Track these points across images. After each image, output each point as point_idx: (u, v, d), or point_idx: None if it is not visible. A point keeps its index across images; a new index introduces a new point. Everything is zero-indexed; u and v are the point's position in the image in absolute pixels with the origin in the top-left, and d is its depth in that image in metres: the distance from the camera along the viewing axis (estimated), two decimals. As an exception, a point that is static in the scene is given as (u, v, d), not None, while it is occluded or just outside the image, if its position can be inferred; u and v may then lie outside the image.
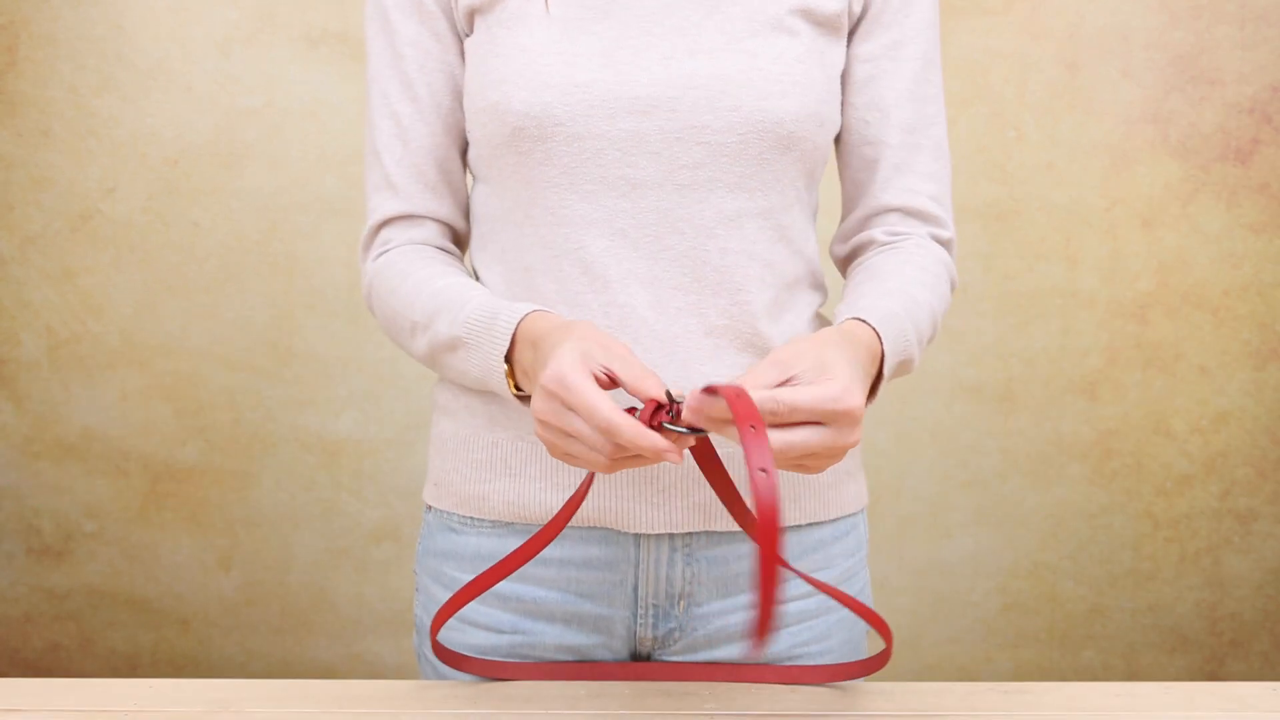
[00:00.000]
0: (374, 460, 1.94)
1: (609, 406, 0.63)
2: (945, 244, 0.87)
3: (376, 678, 1.90)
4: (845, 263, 0.90)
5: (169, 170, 1.89)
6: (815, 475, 0.83)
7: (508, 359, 0.74)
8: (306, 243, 1.90)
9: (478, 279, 0.86)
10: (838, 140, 0.87)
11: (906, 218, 0.85)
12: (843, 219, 0.89)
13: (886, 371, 0.74)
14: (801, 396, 0.61)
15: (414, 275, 0.81)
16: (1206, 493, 1.93)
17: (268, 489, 1.95)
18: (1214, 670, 1.96)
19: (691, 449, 0.68)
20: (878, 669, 0.80)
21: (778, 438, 0.61)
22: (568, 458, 0.67)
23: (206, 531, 1.96)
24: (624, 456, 0.64)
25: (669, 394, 0.65)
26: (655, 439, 0.62)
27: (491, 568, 0.74)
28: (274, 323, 1.91)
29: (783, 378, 0.64)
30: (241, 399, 1.93)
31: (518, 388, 0.75)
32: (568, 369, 0.64)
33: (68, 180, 1.89)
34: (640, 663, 0.84)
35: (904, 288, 0.79)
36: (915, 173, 0.85)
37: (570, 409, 0.64)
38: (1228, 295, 1.89)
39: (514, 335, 0.73)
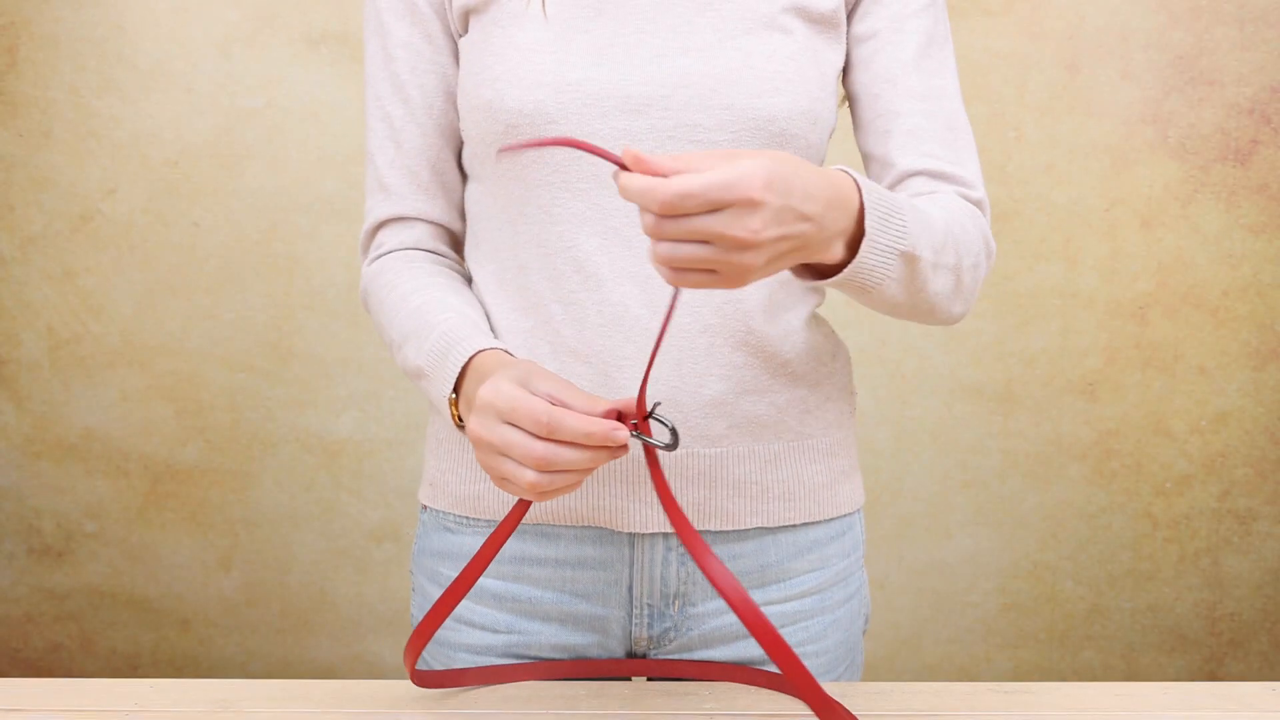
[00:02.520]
0: (374, 460, 1.94)
1: (547, 404, 0.63)
2: (976, 204, 0.83)
3: (376, 678, 1.90)
4: None
5: (169, 171, 1.89)
6: (810, 476, 0.83)
7: (458, 391, 0.74)
8: (306, 243, 1.90)
9: (472, 277, 0.86)
10: (856, 124, 0.86)
11: (931, 179, 0.81)
12: None
13: (873, 233, 0.65)
14: (691, 182, 0.55)
15: (398, 289, 0.82)
16: (1206, 493, 1.93)
17: (268, 489, 1.95)
18: (1213, 670, 1.97)
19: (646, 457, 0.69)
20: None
21: (664, 250, 0.57)
22: (503, 483, 0.66)
23: (207, 531, 1.96)
24: (555, 471, 0.63)
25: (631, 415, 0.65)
26: (601, 422, 0.62)
27: (444, 592, 0.73)
28: (274, 323, 1.92)
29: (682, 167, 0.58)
30: (241, 399, 1.93)
31: (461, 419, 0.75)
32: (503, 383, 0.65)
33: (68, 181, 1.90)
34: (630, 659, 0.84)
35: (917, 204, 0.72)
36: (931, 138, 0.82)
37: (505, 421, 0.64)
38: (1227, 296, 1.89)
39: (464, 370, 0.73)
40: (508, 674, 0.82)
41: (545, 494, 0.64)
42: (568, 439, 0.62)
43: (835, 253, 0.65)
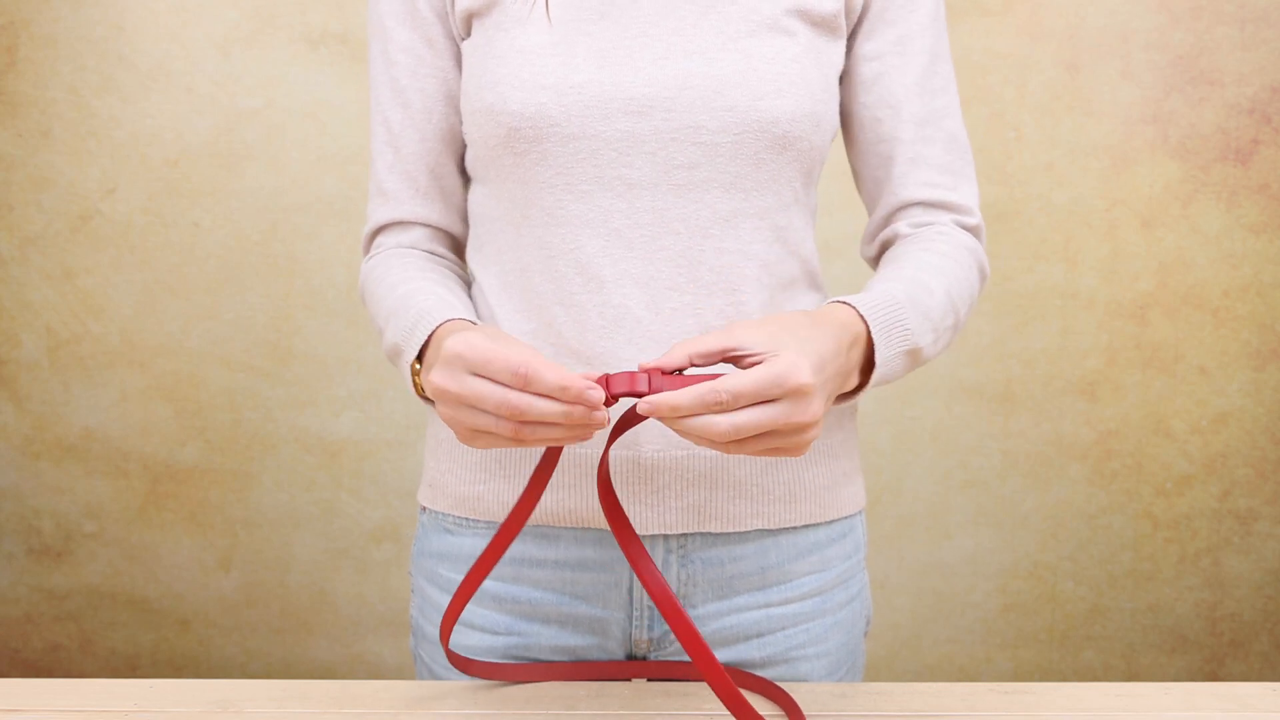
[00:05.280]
0: (374, 461, 1.94)
1: (521, 355, 0.62)
2: (972, 230, 0.85)
3: (376, 678, 1.90)
4: (875, 263, 0.89)
5: (169, 171, 1.89)
6: (812, 478, 0.83)
7: (423, 360, 0.74)
8: (306, 243, 1.90)
9: (475, 280, 0.86)
10: (852, 142, 0.86)
11: (929, 209, 0.84)
12: (869, 220, 0.89)
13: (884, 358, 0.72)
14: (744, 381, 0.62)
15: (385, 279, 0.82)
16: (1206, 493, 1.93)
17: (268, 489, 1.95)
18: (1214, 671, 1.96)
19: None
20: None
21: (727, 420, 0.61)
22: (476, 437, 0.66)
23: (206, 531, 1.96)
24: (529, 422, 0.63)
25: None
26: (577, 377, 0.62)
27: (475, 563, 0.73)
28: (274, 323, 1.92)
29: (729, 346, 0.64)
30: (241, 399, 1.93)
31: (423, 390, 0.74)
32: (473, 335, 0.64)
33: (68, 181, 1.90)
34: (641, 662, 0.84)
35: (916, 275, 0.77)
36: (931, 166, 0.84)
37: (473, 373, 0.63)
38: (1227, 296, 1.89)
39: (430, 340, 0.73)
40: (542, 673, 0.82)
41: (525, 442, 0.65)
42: (542, 391, 0.62)
43: (853, 382, 0.72)
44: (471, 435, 0.66)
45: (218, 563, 1.96)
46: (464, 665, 0.80)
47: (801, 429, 0.63)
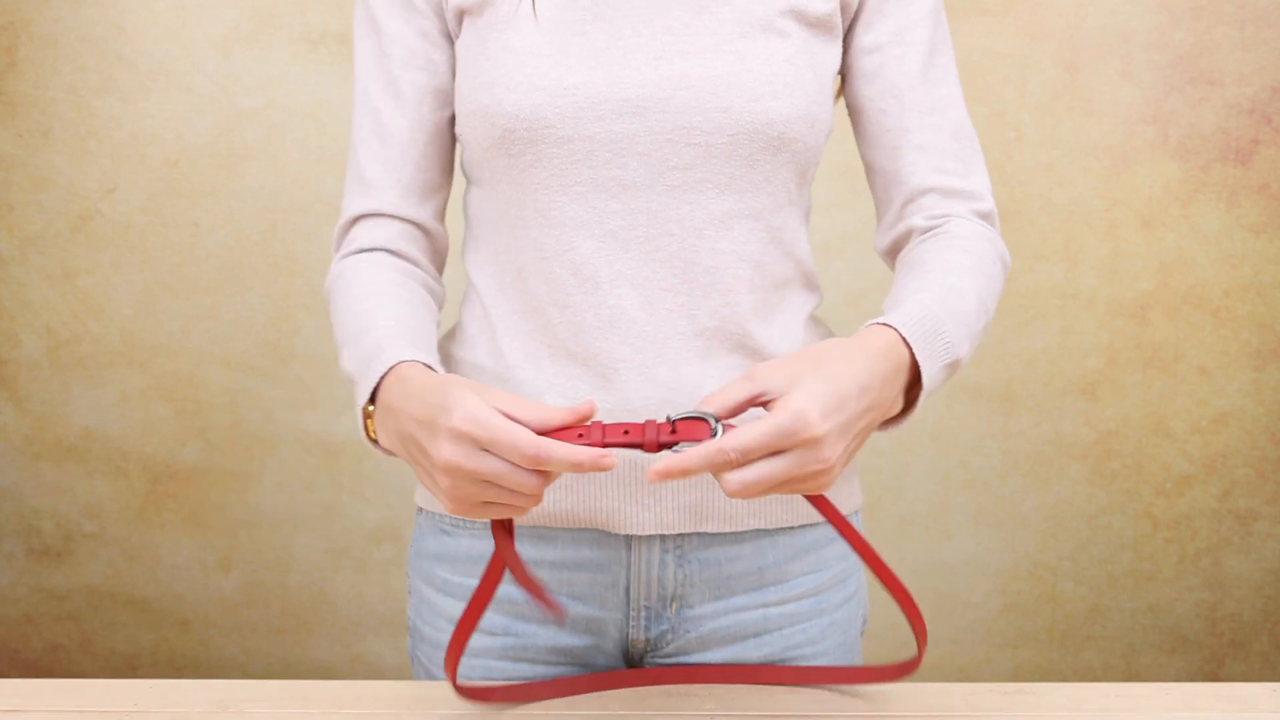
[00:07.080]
0: (374, 461, 1.94)
1: (531, 434, 0.61)
2: (986, 217, 0.84)
3: (376, 678, 1.90)
4: (890, 256, 0.87)
5: (169, 171, 1.89)
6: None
7: (376, 400, 0.71)
8: (306, 243, 1.90)
9: (471, 281, 0.86)
10: (860, 136, 0.86)
11: (942, 197, 0.83)
12: (880, 216, 0.87)
13: (929, 378, 0.70)
14: (749, 437, 0.60)
15: (353, 290, 0.80)
16: (1206, 493, 1.93)
17: (268, 490, 1.95)
18: (1214, 671, 1.96)
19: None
20: (891, 678, 0.79)
21: (735, 479, 0.61)
22: (481, 509, 0.64)
23: (206, 532, 1.96)
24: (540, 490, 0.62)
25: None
26: (592, 452, 0.60)
27: (469, 603, 0.72)
28: (274, 323, 1.92)
29: (754, 393, 0.63)
30: (241, 399, 1.93)
31: (374, 433, 0.72)
32: (474, 407, 0.62)
33: (68, 181, 1.90)
34: (652, 668, 0.83)
35: (944, 280, 0.75)
36: (940, 152, 0.83)
37: (486, 449, 0.62)
38: (1228, 296, 1.89)
39: (382, 380, 0.70)
40: (546, 690, 0.81)
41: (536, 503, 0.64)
42: (555, 469, 0.61)
43: (897, 408, 0.70)
44: (474, 508, 0.64)
45: (218, 563, 1.96)
46: (473, 694, 0.78)
47: (815, 476, 0.62)
